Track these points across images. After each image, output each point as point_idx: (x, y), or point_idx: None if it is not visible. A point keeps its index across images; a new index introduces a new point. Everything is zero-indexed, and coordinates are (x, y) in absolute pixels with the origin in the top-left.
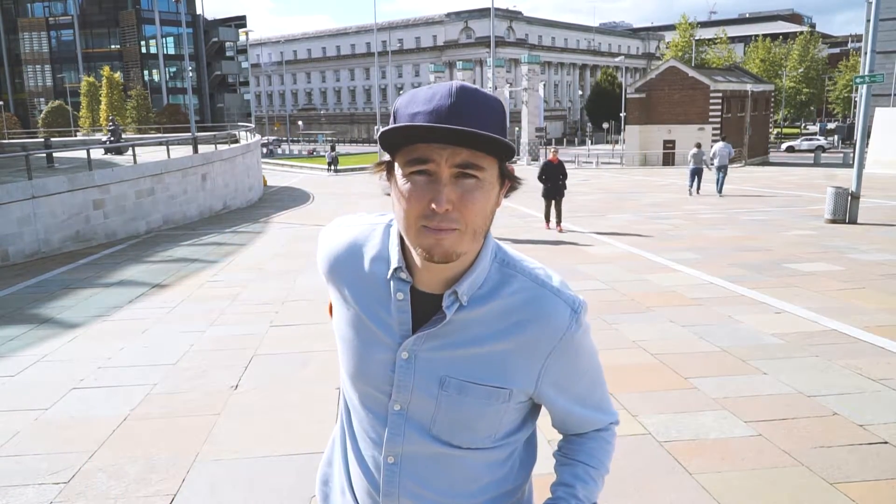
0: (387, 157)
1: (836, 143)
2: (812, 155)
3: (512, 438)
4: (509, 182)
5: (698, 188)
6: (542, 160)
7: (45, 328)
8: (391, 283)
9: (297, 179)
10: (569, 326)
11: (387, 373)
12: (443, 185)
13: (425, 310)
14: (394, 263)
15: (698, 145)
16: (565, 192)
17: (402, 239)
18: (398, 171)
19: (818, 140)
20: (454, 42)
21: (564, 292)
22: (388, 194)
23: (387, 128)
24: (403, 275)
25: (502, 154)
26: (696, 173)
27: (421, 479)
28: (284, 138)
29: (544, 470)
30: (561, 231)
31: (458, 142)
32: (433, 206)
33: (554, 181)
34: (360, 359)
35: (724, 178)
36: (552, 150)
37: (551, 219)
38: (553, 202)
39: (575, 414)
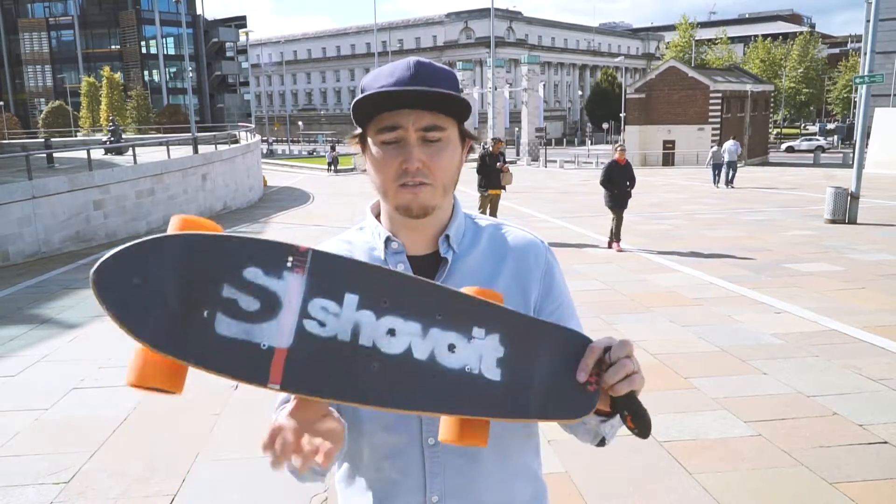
0: (359, 130)
1: (835, 144)
2: (812, 155)
3: None
4: (469, 140)
5: (721, 180)
6: (541, 160)
7: (45, 328)
8: (387, 260)
9: (298, 179)
10: (546, 252)
11: None
12: (412, 146)
13: (425, 273)
14: (382, 236)
15: (719, 143)
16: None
17: (377, 216)
18: (370, 142)
19: (818, 140)
20: (454, 42)
21: (526, 229)
22: (364, 171)
23: (360, 96)
24: (395, 244)
25: (460, 115)
26: (717, 168)
27: (461, 451)
28: (276, 138)
29: (548, 469)
30: (620, 250)
31: (421, 104)
32: (405, 166)
33: (622, 187)
34: None
35: (734, 172)
36: (618, 147)
37: (618, 236)
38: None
39: None
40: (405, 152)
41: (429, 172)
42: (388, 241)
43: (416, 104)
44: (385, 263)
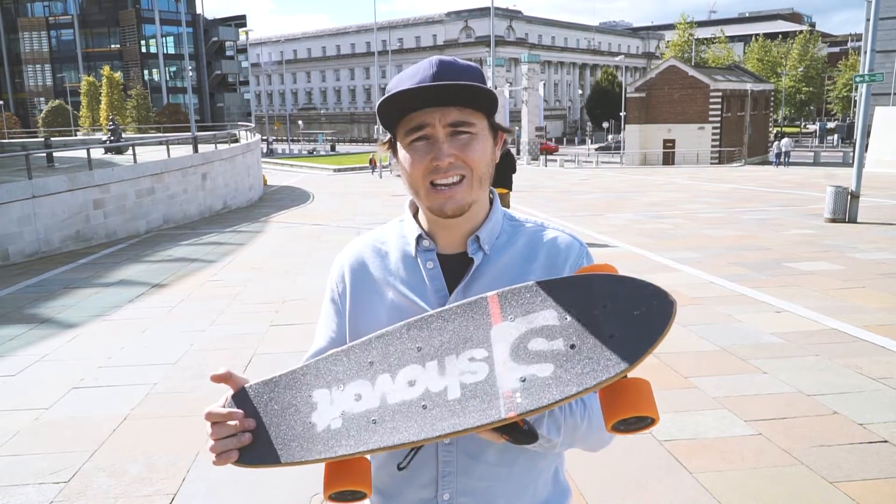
0: (388, 135)
1: (835, 143)
2: (812, 154)
3: None
4: (502, 133)
5: (781, 164)
6: (541, 159)
7: (45, 328)
8: (418, 258)
9: (297, 179)
10: (580, 254)
11: None
12: (441, 142)
13: (455, 271)
14: (415, 233)
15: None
16: None
17: (415, 214)
18: (400, 145)
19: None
20: (454, 41)
21: (569, 232)
22: (399, 175)
23: (382, 98)
24: (426, 242)
25: (487, 109)
26: (777, 156)
27: (472, 452)
28: (276, 138)
29: None
30: None
31: (446, 101)
32: (436, 163)
33: None
34: None
35: (788, 159)
36: None
37: None
38: None
39: None
40: (435, 149)
41: (462, 164)
42: (419, 238)
43: (440, 101)
44: (415, 260)
